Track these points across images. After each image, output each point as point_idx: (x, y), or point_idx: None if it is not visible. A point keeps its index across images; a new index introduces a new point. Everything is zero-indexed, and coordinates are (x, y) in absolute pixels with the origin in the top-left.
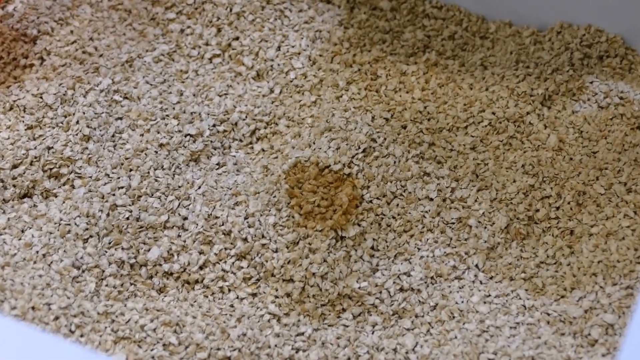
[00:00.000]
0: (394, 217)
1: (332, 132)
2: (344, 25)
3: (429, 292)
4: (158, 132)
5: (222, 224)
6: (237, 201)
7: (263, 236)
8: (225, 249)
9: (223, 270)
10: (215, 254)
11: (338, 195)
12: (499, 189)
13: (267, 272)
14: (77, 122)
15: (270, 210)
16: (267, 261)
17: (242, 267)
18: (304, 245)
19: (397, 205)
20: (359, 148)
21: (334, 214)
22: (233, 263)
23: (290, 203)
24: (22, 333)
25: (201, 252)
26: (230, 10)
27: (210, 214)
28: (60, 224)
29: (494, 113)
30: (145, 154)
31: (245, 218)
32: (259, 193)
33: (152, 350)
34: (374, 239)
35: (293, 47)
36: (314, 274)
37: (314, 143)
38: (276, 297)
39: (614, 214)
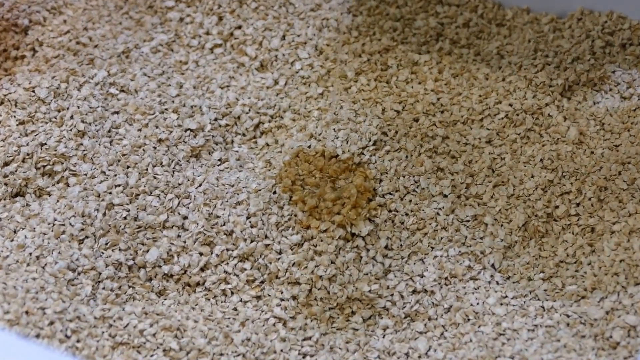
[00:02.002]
0: (407, 214)
1: (339, 124)
2: (352, 12)
3: (442, 294)
4: (157, 127)
5: (224, 224)
6: (238, 200)
7: (266, 236)
8: (227, 250)
9: (225, 272)
10: (217, 255)
11: (347, 187)
12: (516, 185)
13: (272, 274)
14: (72, 117)
15: (272, 209)
16: (270, 263)
17: (245, 269)
18: (308, 247)
19: (410, 201)
20: (370, 140)
21: (343, 208)
22: (236, 265)
23: (292, 198)
24: (15, 342)
25: (202, 254)
26: None
27: (211, 213)
28: (54, 224)
29: (511, 105)
30: (143, 150)
31: (247, 218)
32: (260, 190)
33: (151, 356)
34: (388, 238)
35: (299, 36)
36: (320, 277)
37: (319, 134)
38: (282, 300)
39: (637, 210)
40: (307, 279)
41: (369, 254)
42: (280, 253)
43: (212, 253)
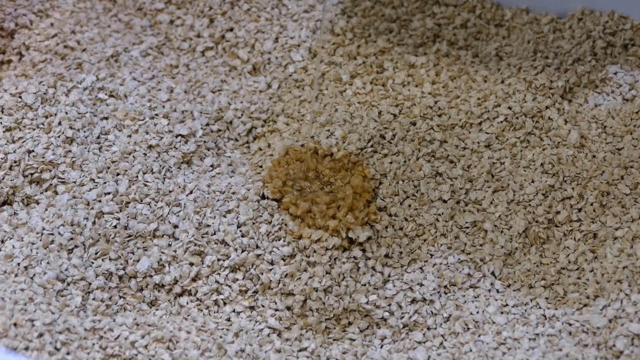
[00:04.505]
0: (406, 220)
1: (334, 125)
2: (347, 14)
3: (442, 303)
4: (147, 133)
5: (214, 233)
6: (228, 208)
7: (257, 246)
8: (218, 260)
9: (217, 282)
10: (208, 266)
11: (342, 189)
12: (516, 190)
13: (264, 285)
14: (60, 123)
15: (262, 216)
16: (262, 274)
17: (237, 279)
18: (301, 258)
19: (410, 206)
20: (368, 142)
21: (338, 212)
22: (227, 275)
23: (283, 200)
24: (3, 355)
25: (192, 264)
26: None
27: (201, 222)
28: (42, 234)
29: (510, 108)
30: (134, 156)
31: (238, 227)
32: (248, 197)
33: None
34: (388, 245)
35: (292, 38)
36: (315, 288)
37: (311, 137)
38: (276, 310)
39: None
40: (301, 290)
41: (368, 263)
42: (272, 264)
43: (202, 263)
